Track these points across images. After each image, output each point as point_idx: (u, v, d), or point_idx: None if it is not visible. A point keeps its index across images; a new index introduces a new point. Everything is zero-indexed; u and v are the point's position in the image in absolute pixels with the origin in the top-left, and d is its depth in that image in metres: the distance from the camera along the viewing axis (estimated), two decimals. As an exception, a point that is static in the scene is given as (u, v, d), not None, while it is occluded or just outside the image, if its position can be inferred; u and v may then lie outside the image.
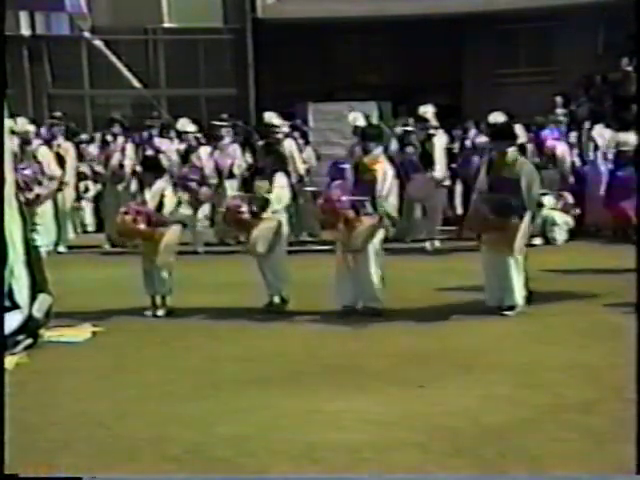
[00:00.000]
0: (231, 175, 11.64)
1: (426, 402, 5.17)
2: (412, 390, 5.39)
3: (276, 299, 7.81)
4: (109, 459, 4.41)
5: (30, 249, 6.88)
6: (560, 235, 11.32)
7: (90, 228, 13.29)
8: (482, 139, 11.07)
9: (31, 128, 11.49)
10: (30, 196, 10.09)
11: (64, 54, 16.75)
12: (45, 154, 11.14)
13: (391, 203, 7.54)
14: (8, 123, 7.30)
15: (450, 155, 11.80)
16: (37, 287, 6.82)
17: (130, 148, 12.21)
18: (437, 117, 11.32)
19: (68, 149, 12.12)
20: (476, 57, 17.15)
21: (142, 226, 7.55)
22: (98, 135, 12.71)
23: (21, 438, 4.70)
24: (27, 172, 10.25)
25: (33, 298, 6.77)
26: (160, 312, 7.75)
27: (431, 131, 11.24)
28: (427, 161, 11.07)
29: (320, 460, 4.33)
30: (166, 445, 4.55)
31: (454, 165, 11.93)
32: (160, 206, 7.75)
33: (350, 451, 4.42)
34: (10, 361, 6.22)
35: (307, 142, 13.07)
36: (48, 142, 11.86)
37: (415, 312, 7.47)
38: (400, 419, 4.87)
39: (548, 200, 11.16)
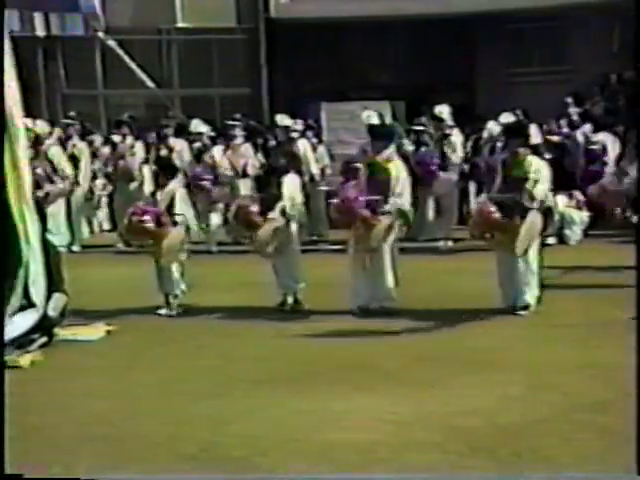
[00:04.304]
0: (244, 174, 11.66)
1: (440, 402, 5.16)
2: (426, 390, 5.39)
3: (289, 299, 7.81)
4: (123, 457, 4.43)
5: (48, 248, 6.92)
6: (575, 234, 11.28)
7: (105, 227, 13.34)
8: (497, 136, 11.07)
9: (47, 129, 11.56)
10: (40, 194, 10.16)
11: (78, 54, 16.82)
12: (57, 153, 11.20)
13: (405, 202, 7.53)
14: (26, 122, 7.34)
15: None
16: (53, 286, 6.86)
17: (140, 148, 12.27)
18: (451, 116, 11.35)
19: (83, 149, 12.18)
20: (489, 56, 17.10)
21: (149, 226, 7.56)
22: (115, 136, 12.77)
23: (35, 436, 4.73)
24: (38, 171, 10.31)
25: (49, 297, 6.81)
26: (173, 311, 7.77)
27: (447, 131, 11.25)
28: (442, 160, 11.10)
29: (335, 459, 4.33)
30: (181, 444, 4.57)
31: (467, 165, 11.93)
32: (171, 206, 7.77)
33: (365, 451, 4.42)
34: (25, 359, 6.27)
35: (320, 141, 13.08)
36: (63, 142, 11.92)
37: (428, 312, 7.46)
38: (415, 419, 4.86)
39: (561, 199, 11.12)
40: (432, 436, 4.58)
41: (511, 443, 4.45)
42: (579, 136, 12.56)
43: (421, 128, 12.00)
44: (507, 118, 10.48)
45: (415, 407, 5.07)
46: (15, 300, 6.62)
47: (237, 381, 5.66)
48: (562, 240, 11.16)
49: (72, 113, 13.60)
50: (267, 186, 7.86)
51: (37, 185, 10.06)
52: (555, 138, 12.19)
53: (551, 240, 10.66)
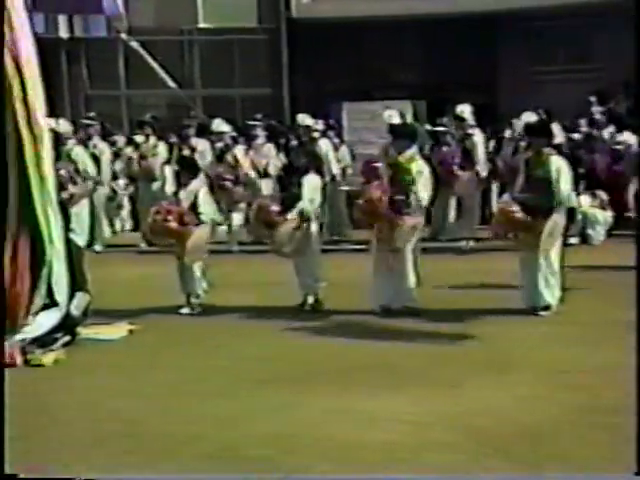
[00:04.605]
0: (266, 174, 11.69)
1: (460, 402, 5.15)
2: (446, 390, 5.38)
3: (310, 299, 7.82)
4: (143, 456, 4.46)
5: (71, 248, 6.98)
6: (598, 234, 11.20)
7: (127, 227, 13.42)
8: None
9: (71, 128, 11.66)
10: (65, 195, 10.24)
11: (101, 55, 16.93)
12: (79, 154, 11.29)
13: (423, 201, 7.49)
14: (49, 123, 7.41)
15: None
16: (76, 285, 6.92)
17: (162, 148, 12.34)
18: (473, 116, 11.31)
19: (104, 149, 12.26)
20: (512, 55, 17.00)
21: (173, 225, 7.60)
22: (138, 137, 12.86)
23: (56, 433, 4.77)
24: (62, 172, 10.40)
25: (72, 296, 6.86)
26: (195, 311, 7.80)
27: (469, 130, 11.22)
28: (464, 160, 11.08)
29: (355, 459, 4.34)
30: (200, 443, 4.59)
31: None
32: (194, 206, 7.80)
33: (384, 451, 4.42)
34: (48, 358, 6.33)
35: (342, 141, 13.08)
36: (84, 142, 12.01)
37: (449, 312, 7.44)
38: (435, 419, 4.86)
39: (584, 199, 11.05)
40: (451, 436, 4.57)
41: (531, 444, 4.44)
42: (605, 135, 12.46)
43: (443, 128, 11.98)
44: (529, 117, 10.42)
45: (435, 407, 5.06)
46: (38, 299, 6.68)
47: (257, 381, 5.67)
48: (585, 240, 11.08)
49: (92, 114, 13.70)
50: (288, 186, 7.88)
51: (61, 186, 10.19)
52: (576, 137, 12.11)
53: (574, 240, 10.59)
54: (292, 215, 7.59)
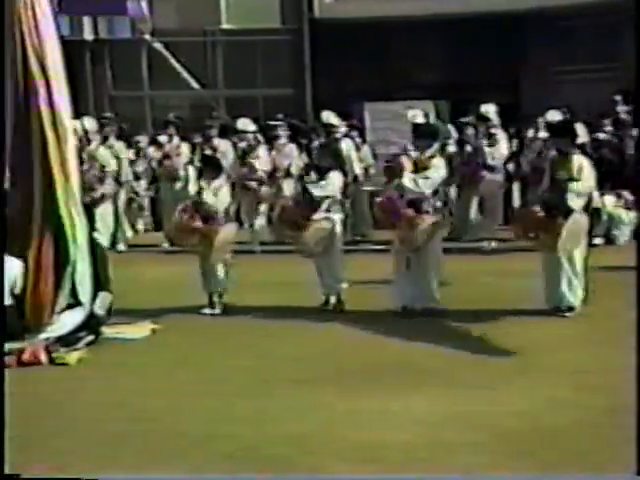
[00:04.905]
0: (288, 175, 11.71)
1: (482, 403, 5.13)
2: (469, 391, 5.36)
3: (332, 299, 7.82)
4: (166, 455, 4.48)
5: (95, 247, 7.04)
6: (623, 234, 11.10)
7: (149, 227, 13.50)
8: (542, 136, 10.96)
9: (96, 126, 11.75)
10: (96, 195, 10.36)
11: (125, 57, 17.04)
12: (105, 154, 11.38)
13: (424, 186, 7.36)
14: (74, 123, 7.48)
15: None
16: (99, 285, 6.97)
17: (185, 148, 12.40)
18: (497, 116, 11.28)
19: (121, 149, 12.33)
20: (536, 54, 16.90)
21: (198, 223, 7.66)
22: (162, 137, 12.93)
23: (79, 433, 4.81)
24: (92, 172, 10.51)
25: (95, 296, 6.92)
26: (217, 310, 7.84)
27: (492, 130, 11.18)
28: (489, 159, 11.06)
29: (376, 459, 4.34)
30: (222, 442, 4.60)
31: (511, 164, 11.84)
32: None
33: (406, 451, 4.41)
34: (72, 357, 6.38)
35: (364, 141, 13.07)
36: (102, 142, 12.09)
37: (472, 312, 7.41)
38: (456, 420, 4.85)
39: (608, 199, 10.95)
40: (474, 437, 4.56)
41: (554, 445, 4.41)
42: (631, 134, 12.34)
43: (466, 128, 11.94)
44: (554, 116, 10.35)
45: (456, 408, 5.04)
46: (62, 299, 6.74)
47: (278, 381, 5.69)
48: (610, 241, 10.99)
49: (108, 114, 13.79)
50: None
51: (91, 187, 10.30)
52: (601, 137, 12.01)
53: (598, 240, 10.51)
54: (319, 215, 7.60)
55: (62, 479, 4.05)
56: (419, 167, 7.55)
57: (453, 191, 11.37)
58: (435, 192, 7.52)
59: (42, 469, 4.19)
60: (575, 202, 7.03)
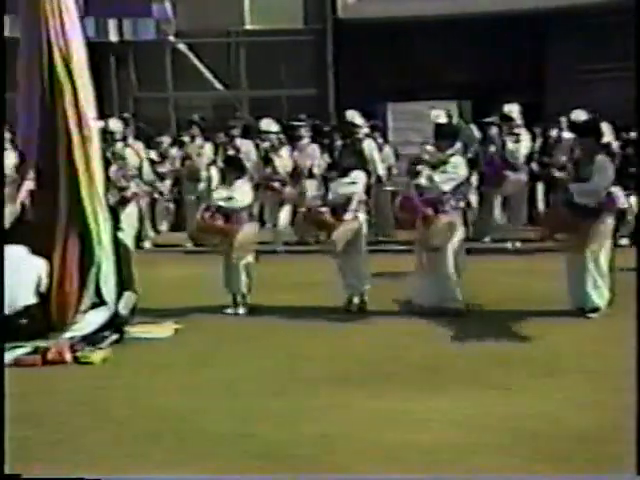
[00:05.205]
0: (311, 175, 11.72)
1: (508, 404, 5.10)
2: (494, 392, 5.34)
3: (356, 299, 7.82)
4: (190, 454, 4.50)
5: (119, 247, 7.09)
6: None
7: (172, 227, 13.55)
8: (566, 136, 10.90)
9: (121, 126, 11.84)
10: (128, 194, 10.45)
11: (149, 58, 17.13)
12: (131, 154, 11.46)
13: (441, 182, 7.34)
14: (99, 124, 7.54)
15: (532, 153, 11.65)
16: (124, 285, 7.02)
17: (208, 148, 12.45)
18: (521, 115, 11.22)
19: (139, 149, 12.40)
20: (561, 53, 16.77)
21: (220, 222, 7.69)
22: (185, 137, 13.00)
23: (105, 431, 4.84)
24: (121, 172, 10.60)
25: (119, 295, 6.97)
26: (240, 310, 7.86)
27: (516, 130, 11.12)
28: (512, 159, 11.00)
29: (402, 460, 4.32)
30: (248, 442, 4.61)
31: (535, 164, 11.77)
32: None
33: (432, 452, 4.40)
34: (97, 356, 6.43)
35: (386, 141, 13.05)
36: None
37: (496, 313, 7.38)
38: (482, 421, 4.82)
39: (635, 199, 10.85)
40: (500, 439, 4.54)
41: (580, 448, 4.38)
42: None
43: (489, 127, 11.89)
44: (580, 116, 10.27)
45: (482, 409, 5.02)
46: (87, 298, 6.79)
47: (304, 381, 5.70)
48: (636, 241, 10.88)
49: (126, 114, 13.87)
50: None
51: (122, 186, 10.38)
52: (629, 136, 11.89)
53: (624, 241, 10.42)
54: (348, 215, 7.61)
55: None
56: (438, 166, 7.53)
57: (475, 191, 11.33)
58: (455, 191, 7.49)
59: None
60: (585, 199, 6.97)
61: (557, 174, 9.79)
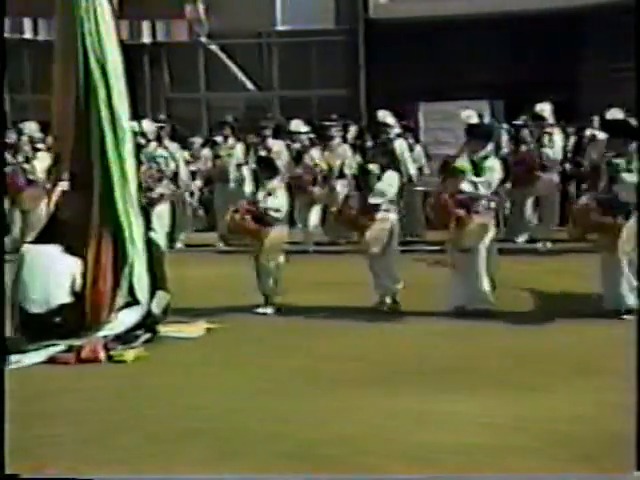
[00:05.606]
0: (341, 175, 11.73)
1: (539, 406, 5.07)
2: (525, 393, 5.31)
3: (387, 299, 7.81)
4: (221, 453, 4.51)
5: (151, 247, 7.16)
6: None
7: (204, 227, 13.63)
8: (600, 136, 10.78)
9: (153, 128, 11.94)
10: (154, 195, 10.53)
11: (181, 59, 17.26)
12: (163, 155, 11.55)
13: (482, 188, 7.34)
14: (132, 125, 7.62)
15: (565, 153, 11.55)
16: (156, 284, 7.08)
17: (240, 149, 12.51)
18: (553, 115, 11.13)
19: (175, 150, 12.48)
20: (594, 51, 16.60)
21: (251, 224, 7.72)
22: (217, 137, 13.07)
23: (143, 428, 4.89)
24: (152, 173, 10.69)
25: (152, 295, 7.03)
26: (269, 310, 7.89)
27: (548, 129, 11.04)
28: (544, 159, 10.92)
29: (433, 461, 4.31)
30: (278, 441, 4.62)
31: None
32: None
33: (462, 453, 4.38)
34: (130, 354, 6.50)
35: (417, 141, 13.02)
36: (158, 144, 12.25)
37: (528, 314, 7.33)
38: (513, 422, 4.79)
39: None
40: (531, 441, 4.51)
41: (611, 450, 4.34)
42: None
43: (521, 127, 11.81)
44: (614, 114, 10.16)
45: (514, 411, 4.99)
46: (120, 298, 6.86)
47: (335, 381, 5.70)
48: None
49: (162, 116, 13.98)
50: (365, 186, 7.88)
51: (149, 187, 10.48)
52: None
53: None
54: (381, 215, 7.60)
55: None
56: (472, 168, 7.50)
57: (507, 191, 11.26)
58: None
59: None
60: (626, 196, 6.90)
61: (589, 173, 9.72)
